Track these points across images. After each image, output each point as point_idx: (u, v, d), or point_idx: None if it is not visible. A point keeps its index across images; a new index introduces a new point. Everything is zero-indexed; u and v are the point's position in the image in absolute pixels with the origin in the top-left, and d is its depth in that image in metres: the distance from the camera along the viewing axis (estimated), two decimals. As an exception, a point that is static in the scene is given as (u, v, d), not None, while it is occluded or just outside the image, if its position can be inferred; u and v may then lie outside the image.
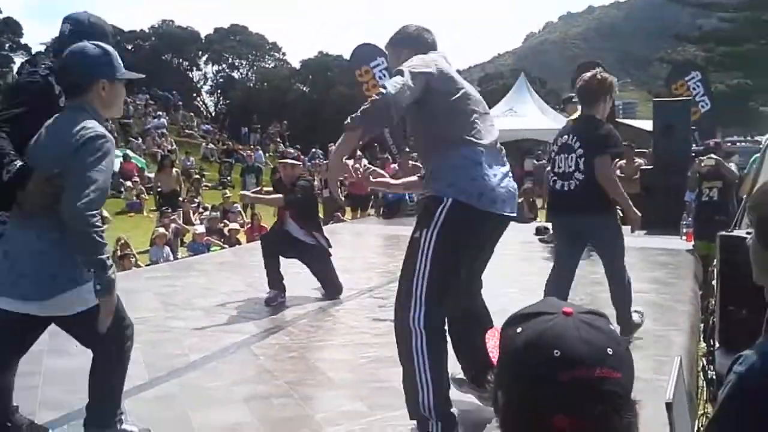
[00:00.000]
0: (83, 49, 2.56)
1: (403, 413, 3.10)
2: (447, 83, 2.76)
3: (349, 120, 2.49)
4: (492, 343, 1.09)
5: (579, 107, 4.88)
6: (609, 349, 0.96)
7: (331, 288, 5.70)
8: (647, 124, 19.58)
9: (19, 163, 2.50)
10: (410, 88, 2.56)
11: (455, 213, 2.66)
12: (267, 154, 25.62)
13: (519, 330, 1.01)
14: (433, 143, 2.81)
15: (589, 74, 4.42)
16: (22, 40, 43.04)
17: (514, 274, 6.95)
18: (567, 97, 8.08)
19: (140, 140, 22.31)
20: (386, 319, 4.89)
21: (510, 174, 2.91)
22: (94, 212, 2.33)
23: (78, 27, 2.96)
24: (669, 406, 1.39)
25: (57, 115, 2.57)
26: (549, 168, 4.70)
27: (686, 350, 4.06)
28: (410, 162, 12.39)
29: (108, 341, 2.58)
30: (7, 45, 42.11)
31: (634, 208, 4.48)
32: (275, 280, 5.49)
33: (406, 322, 2.68)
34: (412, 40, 3.01)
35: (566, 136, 4.45)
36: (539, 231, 9.22)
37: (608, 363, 0.96)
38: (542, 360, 0.96)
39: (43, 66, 2.84)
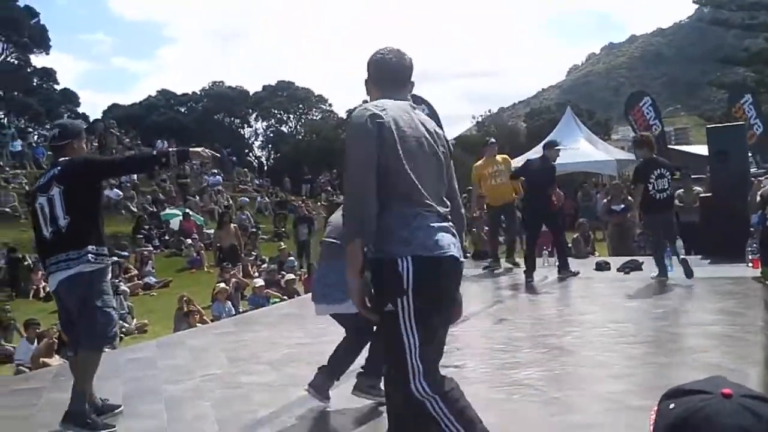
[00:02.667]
0: None
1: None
2: (384, 148, 2.57)
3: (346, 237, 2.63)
4: (653, 417, 1.04)
5: (495, 148, 9.81)
6: None
7: None
8: (701, 149, 19.22)
9: None
10: (364, 174, 2.54)
11: (419, 269, 2.50)
12: (319, 203, 25.98)
13: (672, 406, 0.96)
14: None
15: (643, 133, 8.48)
16: (80, 110, 45.03)
17: (576, 312, 6.86)
18: (486, 140, 10.66)
19: (197, 198, 22.91)
20: (449, 366, 4.85)
21: (449, 222, 2.67)
22: None
23: (63, 129, 4.31)
24: None
25: None
26: (650, 189, 7.69)
27: (763, 384, 3.93)
28: None
29: (363, 332, 3.87)
30: (66, 115, 44.08)
31: None
32: None
33: (410, 393, 2.51)
34: (370, 75, 2.87)
35: (660, 170, 7.77)
36: (600, 266, 9.09)
37: None
38: None
39: None
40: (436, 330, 2.59)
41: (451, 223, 2.67)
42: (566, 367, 4.66)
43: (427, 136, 2.69)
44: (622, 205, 11.73)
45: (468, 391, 4.17)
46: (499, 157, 9.84)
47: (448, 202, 2.72)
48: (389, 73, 2.83)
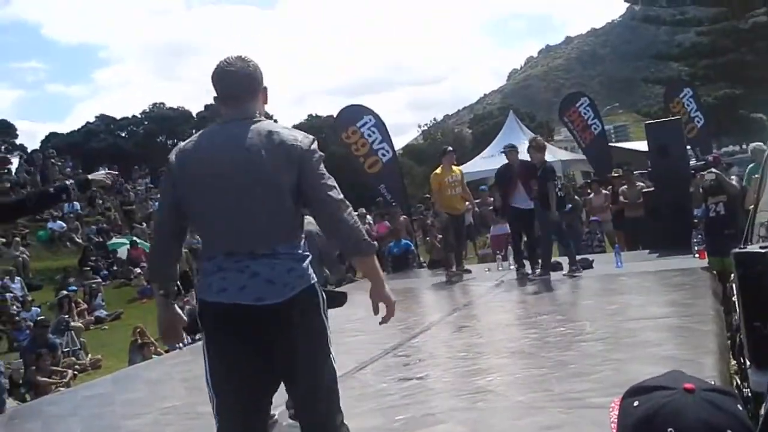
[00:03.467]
0: None
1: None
2: (180, 199, 2.51)
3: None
4: (613, 414, 1.07)
5: (453, 156, 9.92)
6: (730, 431, 0.92)
7: None
8: (641, 145, 19.72)
9: None
10: (155, 221, 2.68)
11: (200, 312, 2.49)
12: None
13: (636, 404, 0.98)
14: None
15: (538, 138, 9.59)
16: (17, 141, 43.83)
17: (533, 314, 6.93)
18: (444, 148, 10.48)
19: (144, 225, 22.47)
20: (413, 378, 4.89)
21: (255, 259, 2.42)
22: None
23: None
24: None
25: None
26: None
27: (718, 371, 4.02)
28: (402, 217, 12.68)
29: None
30: (3, 147, 42.82)
31: None
32: None
33: None
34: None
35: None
36: (552, 266, 9.19)
37: None
38: None
39: None
40: (225, 377, 2.46)
41: (257, 261, 2.39)
42: (527, 370, 4.70)
43: (232, 164, 2.40)
44: (570, 205, 11.95)
45: (432, 401, 4.20)
46: (455, 168, 9.93)
47: (272, 229, 2.43)
48: (222, 87, 2.55)
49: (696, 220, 9.00)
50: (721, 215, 7.35)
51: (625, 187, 11.61)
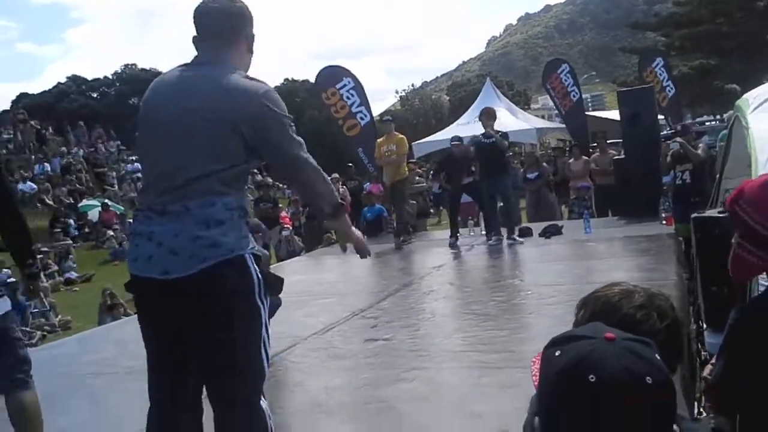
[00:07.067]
0: None
1: None
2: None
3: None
4: (536, 366, 1.09)
5: (389, 125, 9.97)
6: (648, 377, 0.95)
7: None
8: (616, 114, 19.84)
9: None
10: None
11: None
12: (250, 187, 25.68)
13: (558, 353, 1.00)
14: None
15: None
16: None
17: (501, 278, 7.01)
18: (386, 118, 10.97)
19: (116, 187, 22.24)
20: (378, 339, 4.93)
21: (179, 226, 2.13)
22: None
23: None
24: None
25: None
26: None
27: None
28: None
29: None
30: (-27, 107, 41.89)
31: None
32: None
33: None
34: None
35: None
36: (522, 232, 9.29)
37: (646, 391, 0.94)
38: (578, 385, 0.95)
39: None
40: (146, 340, 2.34)
41: (164, 225, 2.14)
42: (490, 332, 4.76)
43: (167, 112, 2.22)
44: (537, 173, 12.01)
45: (397, 362, 4.25)
46: (397, 137, 9.90)
47: (195, 184, 2.14)
48: (195, 25, 2.32)
49: (664, 188, 9.10)
50: (687, 183, 7.45)
51: (597, 154, 11.69)
